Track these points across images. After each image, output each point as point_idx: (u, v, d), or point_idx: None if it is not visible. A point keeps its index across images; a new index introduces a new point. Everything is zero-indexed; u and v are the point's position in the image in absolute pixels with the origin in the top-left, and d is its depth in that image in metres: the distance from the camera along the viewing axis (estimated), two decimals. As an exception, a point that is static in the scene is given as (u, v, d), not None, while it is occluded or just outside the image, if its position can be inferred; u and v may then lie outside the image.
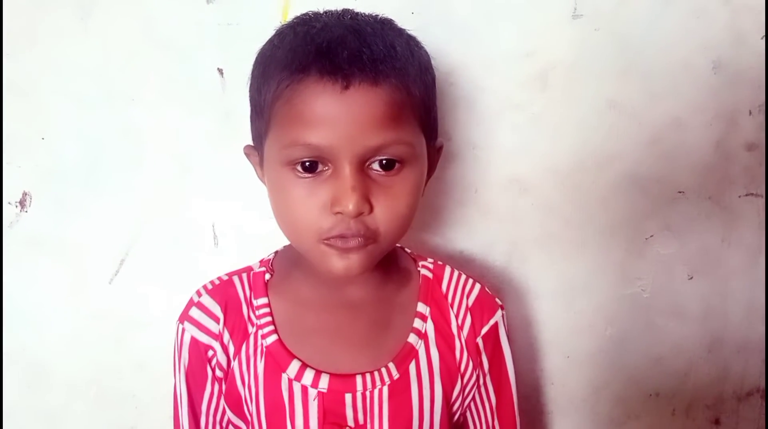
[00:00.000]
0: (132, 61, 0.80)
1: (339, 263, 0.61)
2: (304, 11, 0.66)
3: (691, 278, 0.96)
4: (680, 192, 0.92)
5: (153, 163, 0.84)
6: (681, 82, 0.87)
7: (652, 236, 0.93)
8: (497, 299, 0.77)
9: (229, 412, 0.72)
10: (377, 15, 0.64)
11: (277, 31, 0.64)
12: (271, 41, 0.64)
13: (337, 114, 0.57)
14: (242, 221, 0.86)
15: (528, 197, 0.90)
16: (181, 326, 0.71)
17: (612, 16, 0.84)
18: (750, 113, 0.89)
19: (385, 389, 0.68)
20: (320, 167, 0.60)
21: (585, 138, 0.88)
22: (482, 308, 0.75)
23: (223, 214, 0.86)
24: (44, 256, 0.85)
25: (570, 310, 0.95)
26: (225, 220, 0.87)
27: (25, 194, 0.83)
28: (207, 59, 0.81)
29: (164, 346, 0.83)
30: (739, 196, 0.93)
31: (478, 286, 0.76)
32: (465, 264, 0.91)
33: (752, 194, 0.93)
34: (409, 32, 0.65)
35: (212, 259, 0.86)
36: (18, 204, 0.84)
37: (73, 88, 0.81)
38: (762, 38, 0.86)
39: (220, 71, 0.81)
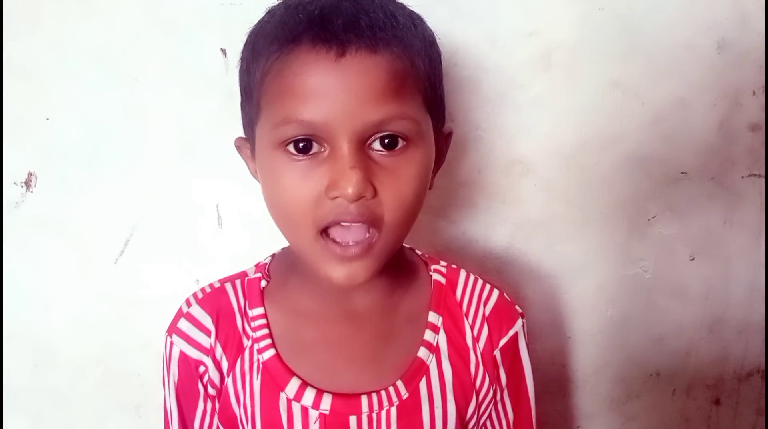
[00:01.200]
0: (135, 42, 0.80)
1: (340, 271, 0.55)
2: None
3: (693, 259, 0.96)
4: (683, 173, 0.92)
5: (157, 143, 0.84)
6: (685, 62, 0.87)
7: (654, 217, 0.93)
8: (517, 307, 0.71)
9: None
10: None
11: (268, 9, 0.59)
12: (261, 20, 0.59)
13: (332, 86, 0.51)
14: (246, 202, 0.86)
15: (531, 178, 0.90)
16: (169, 339, 0.66)
17: None
18: (754, 94, 0.89)
19: (393, 410, 0.62)
20: (315, 148, 0.54)
21: (588, 118, 0.88)
22: (501, 318, 0.68)
23: (227, 195, 0.86)
24: (49, 236, 0.86)
25: (572, 291, 0.95)
26: (229, 201, 0.87)
27: (30, 175, 0.84)
28: (210, 39, 0.80)
29: (166, 329, 0.85)
30: (742, 177, 0.93)
31: (496, 292, 0.70)
32: (468, 244, 0.91)
33: (755, 175, 0.93)
34: (411, 8, 0.60)
35: (216, 239, 0.87)
36: (23, 184, 0.84)
37: (77, 69, 0.80)
38: (766, 18, 0.86)
39: (224, 51, 0.81)
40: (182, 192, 0.86)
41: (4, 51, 0.79)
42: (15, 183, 0.84)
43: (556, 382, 0.99)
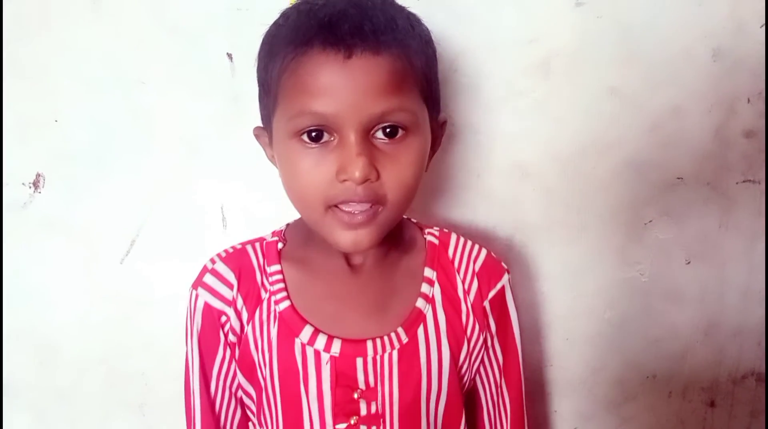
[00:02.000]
0: (142, 46, 0.81)
1: (347, 237, 0.63)
2: None
3: (689, 263, 0.97)
4: (679, 178, 0.92)
5: (163, 145, 0.85)
6: (681, 70, 0.88)
7: (651, 221, 0.94)
8: (503, 263, 0.78)
9: (240, 378, 0.74)
10: None
11: (282, 12, 0.66)
12: (276, 22, 0.66)
13: (340, 83, 0.58)
14: (250, 203, 0.87)
15: (529, 182, 0.91)
16: (194, 292, 0.72)
17: (614, 4, 0.84)
18: (749, 101, 0.90)
19: (395, 353, 0.70)
20: (326, 137, 0.61)
21: (586, 124, 0.89)
22: (489, 273, 0.76)
23: (231, 196, 0.88)
24: (56, 236, 0.87)
25: (570, 294, 0.96)
26: (233, 202, 0.88)
27: (38, 175, 0.85)
28: (216, 44, 0.82)
29: (173, 325, 0.85)
30: (737, 183, 0.94)
31: (484, 251, 0.77)
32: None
33: (750, 181, 0.94)
34: (409, 10, 0.66)
35: (221, 240, 0.88)
36: (31, 185, 0.85)
37: (85, 72, 0.82)
38: (761, 27, 0.86)
39: (230, 56, 0.82)
40: (187, 193, 0.87)
41: (14, 53, 0.81)
42: (23, 183, 0.85)
43: (553, 383, 1.00)
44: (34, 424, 0.94)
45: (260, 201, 0.87)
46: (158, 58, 0.82)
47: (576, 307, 0.97)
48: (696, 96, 0.89)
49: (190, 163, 0.86)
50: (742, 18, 0.86)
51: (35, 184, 0.85)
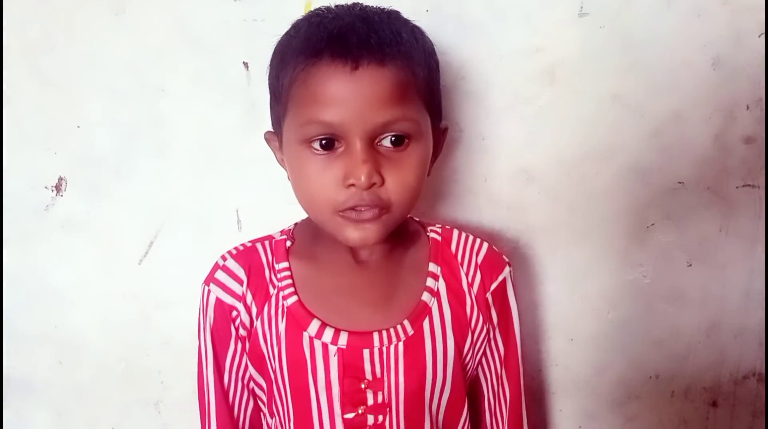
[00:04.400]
0: (162, 55, 0.84)
1: (355, 233, 0.65)
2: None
3: (690, 265, 0.98)
4: (680, 182, 0.94)
5: (181, 151, 0.88)
6: (682, 77, 0.89)
7: (653, 225, 0.95)
8: (504, 256, 0.81)
9: (251, 370, 0.76)
10: (384, 7, 0.69)
11: (293, 24, 0.69)
12: (287, 33, 0.69)
13: (347, 93, 0.61)
14: (264, 206, 0.90)
15: (535, 186, 0.92)
16: (206, 288, 0.75)
17: (616, 14, 0.86)
18: (747, 108, 0.91)
19: (401, 345, 0.72)
20: (335, 145, 0.64)
21: (590, 130, 0.90)
22: (491, 265, 0.78)
23: (246, 200, 0.90)
24: (77, 238, 0.90)
25: (574, 295, 0.97)
26: (248, 206, 0.91)
27: (60, 179, 0.88)
28: (233, 53, 0.84)
29: (189, 325, 0.87)
30: (737, 187, 0.95)
31: (486, 245, 0.80)
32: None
33: (749, 185, 0.95)
34: (414, 23, 0.69)
35: (236, 242, 0.88)
36: (54, 188, 0.88)
37: (108, 80, 0.85)
38: (759, 36, 0.88)
39: (246, 65, 0.85)
40: (204, 197, 0.90)
41: (39, 62, 0.84)
42: (46, 187, 0.88)
43: (558, 383, 1.02)
44: (54, 421, 0.97)
45: (274, 205, 0.89)
46: (178, 67, 0.85)
47: (580, 308, 0.98)
48: (696, 103, 0.90)
49: (207, 168, 0.89)
50: (741, 28, 0.88)
51: (57, 188, 0.88)
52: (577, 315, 0.99)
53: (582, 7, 0.86)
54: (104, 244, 0.91)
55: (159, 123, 0.87)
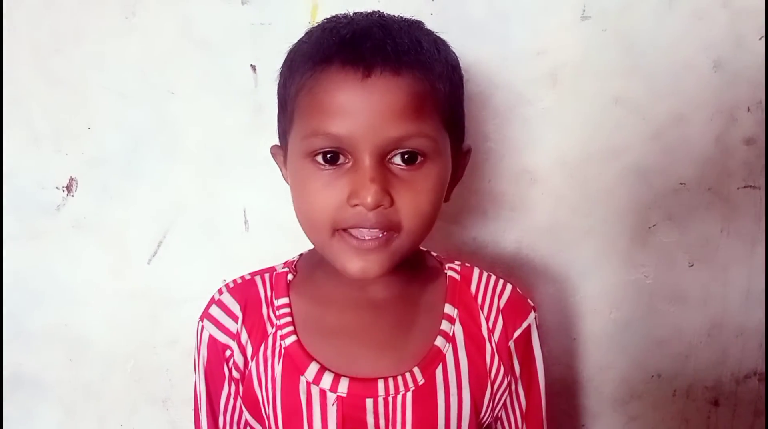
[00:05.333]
0: (171, 58, 0.85)
1: (355, 264, 0.59)
2: (332, 11, 0.68)
3: (692, 265, 0.99)
4: (682, 184, 0.94)
5: (189, 152, 0.89)
6: (683, 80, 0.90)
7: (654, 225, 0.96)
8: (529, 300, 0.73)
9: (246, 414, 0.70)
10: (407, 17, 0.64)
11: (307, 30, 0.65)
12: (300, 39, 0.65)
13: (357, 103, 0.55)
14: (271, 207, 0.90)
15: (538, 187, 0.93)
16: (201, 324, 0.70)
17: (618, 17, 0.87)
18: (748, 110, 0.92)
19: (409, 395, 0.64)
20: (341, 159, 0.58)
21: (592, 132, 0.91)
22: (515, 310, 0.70)
23: (253, 201, 0.91)
24: (87, 237, 0.91)
25: (576, 295, 0.98)
26: (255, 206, 0.91)
27: (71, 180, 0.89)
28: (241, 56, 0.85)
29: (197, 323, 0.89)
30: (738, 188, 0.96)
31: (509, 286, 0.72)
32: (478, 249, 0.95)
33: (750, 186, 0.96)
34: (438, 35, 0.64)
35: (242, 242, 0.92)
36: (65, 189, 0.90)
37: (117, 83, 0.86)
38: (759, 39, 0.89)
39: (253, 68, 0.86)
40: (211, 197, 0.91)
41: (50, 65, 0.85)
42: (57, 187, 0.89)
43: (561, 382, 1.02)
44: (63, 418, 0.98)
45: (280, 205, 0.88)
46: (186, 69, 0.86)
47: (582, 307, 0.99)
48: (697, 105, 0.91)
49: (215, 169, 0.90)
50: (741, 31, 0.88)
51: (68, 188, 0.90)
52: (580, 315, 0.99)
53: (584, 11, 0.87)
54: (114, 244, 0.92)
55: (168, 124, 0.88)
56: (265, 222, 0.92)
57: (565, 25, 0.87)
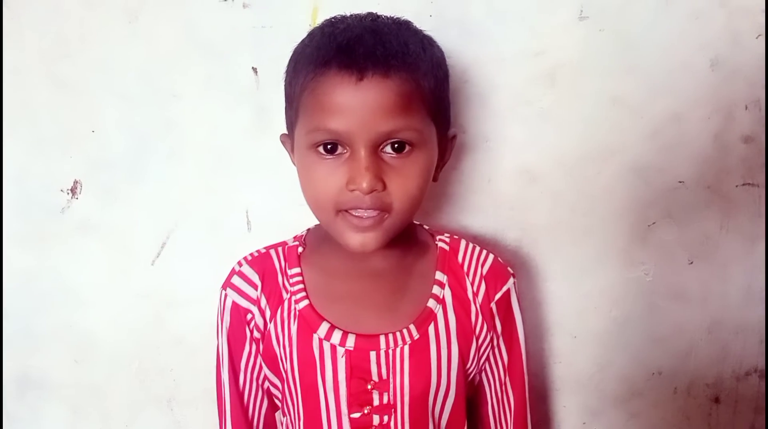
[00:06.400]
0: (174, 61, 0.87)
1: (356, 239, 0.68)
2: (331, 14, 0.72)
3: (692, 263, 0.99)
4: (680, 182, 0.95)
5: (192, 154, 0.90)
6: (681, 79, 0.90)
7: (654, 223, 0.96)
8: (509, 268, 0.83)
9: (266, 369, 0.79)
10: (398, 17, 0.70)
11: (309, 32, 0.72)
12: (303, 41, 0.72)
13: (352, 103, 0.64)
14: (273, 208, 0.92)
15: (537, 186, 0.94)
16: (224, 292, 0.78)
17: (616, 17, 0.87)
18: (746, 108, 0.92)
19: (406, 348, 0.74)
20: (339, 149, 0.66)
21: (590, 131, 0.92)
22: (495, 276, 0.80)
23: (256, 201, 0.92)
24: (92, 239, 0.92)
25: (577, 293, 0.99)
26: (258, 207, 0.92)
27: (75, 182, 0.90)
28: (242, 59, 0.86)
29: (201, 324, 0.90)
30: (737, 186, 0.96)
31: (491, 256, 0.82)
32: (478, 248, 0.96)
33: (749, 184, 0.96)
34: (425, 32, 0.71)
35: (245, 242, 0.91)
36: (69, 191, 0.91)
37: (121, 86, 0.87)
38: (757, 37, 0.89)
39: (255, 70, 0.87)
40: (214, 198, 0.92)
41: (55, 69, 0.86)
42: (62, 190, 0.91)
43: (562, 380, 1.03)
44: (69, 418, 0.99)
45: (282, 206, 0.91)
46: (189, 72, 0.87)
47: (582, 305, 0.99)
48: (695, 103, 0.92)
49: (218, 170, 0.91)
50: (738, 29, 0.89)
51: (73, 191, 0.91)
52: (580, 313, 1.00)
53: (582, 11, 0.87)
54: (118, 246, 0.93)
55: (171, 127, 0.89)
56: (267, 222, 0.93)
57: (563, 26, 0.88)
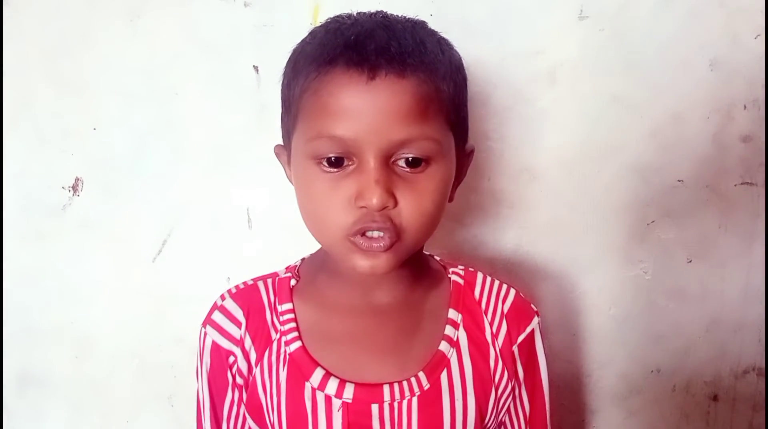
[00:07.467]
0: (176, 60, 0.87)
1: (365, 262, 0.59)
2: (333, 12, 0.68)
3: (690, 262, 0.99)
4: (679, 181, 0.95)
5: (193, 152, 0.90)
6: (680, 78, 0.91)
7: (653, 222, 0.97)
8: (533, 305, 0.73)
9: (249, 421, 0.69)
10: (410, 17, 0.63)
11: (311, 30, 0.64)
12: (304, 39, 0.64)
13: (362, 105, 0.55)
14: (274, 206, 0.92)
15: (537, 185, 0.94)
16: (203, 330, 0.69)
17: (616, 17, 0.88)
18: (745, 107, 0.93)
19: (415, 400, 0.64)
20: (345, 162, 0.57)
21: (590, 130, 0.92)
22: (518, 315, 0.70)
23: (256, 200, 0.92)
24: (93, 237, 0.93)
25: (576, 291, 0.99)
26: (258, 205, 0.93)
27: (77, 180, 0.91)
28: (243, 58, 0.87)
29: (201, 321, 0.90)
30: (735, 185, 0.96)
31: (513, 291, 0.72)
32: (478, 246, 0.96)
33: (747, 183, 0.97)
34: (441, 35, 0.64)
35: (246, 240, 0.93)
36: (71, 189, 0.91)
37: (122, 84, 0.87)
38: (756, 37, 0.90)
39: (256, 69, 0.87)
40: (216, 197, 0.92)
41: (57, 67, 0.87)
42: (63, 187, 0.91)
43: (561, 378, 1.03)
44: (70, 414, 0.99)
45: (283, 203, 0.89)
46: (190, 71, 0.87)
47: (582, 304, 1.00)
48: (694, 103, 0.92)
49: (219, 169, 0.91)
50: (736, 29, 0.89)
51: (74, 188, 0.91)
52: (579, 311, 1.00)
53: (582, 11, 0.88)
54: (119, 243, 0.93)
55: (172, 125, 0.89)
56: (268, 221, 0.93)
57: (563, 25, 0.88)
